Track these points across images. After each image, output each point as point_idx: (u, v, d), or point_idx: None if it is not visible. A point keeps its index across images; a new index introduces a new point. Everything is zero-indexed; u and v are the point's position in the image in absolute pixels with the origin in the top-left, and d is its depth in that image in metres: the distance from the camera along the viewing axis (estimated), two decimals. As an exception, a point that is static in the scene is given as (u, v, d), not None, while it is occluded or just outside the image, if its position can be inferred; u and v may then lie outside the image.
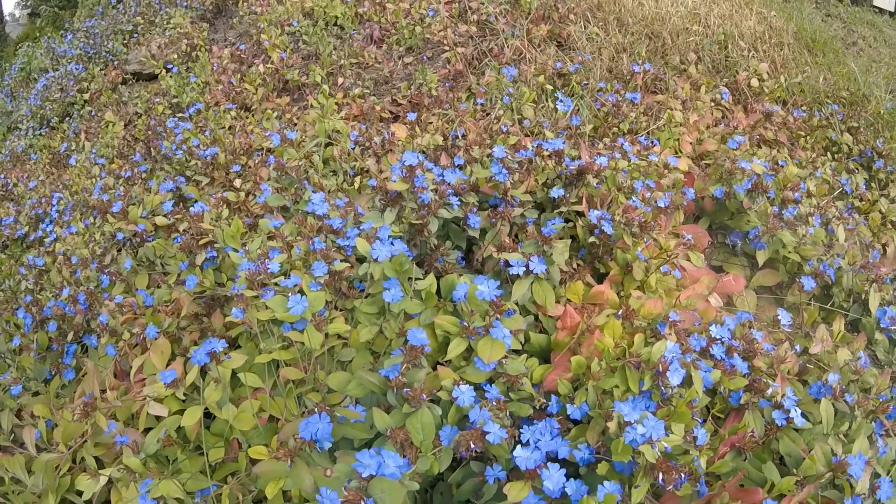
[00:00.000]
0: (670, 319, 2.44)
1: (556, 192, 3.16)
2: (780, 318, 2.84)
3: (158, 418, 2.77)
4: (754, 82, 5.24)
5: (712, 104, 4.92)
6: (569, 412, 2.31)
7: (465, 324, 2.35)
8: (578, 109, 4.38)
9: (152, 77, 6.33)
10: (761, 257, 3.28)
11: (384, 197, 3.01)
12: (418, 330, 2.26)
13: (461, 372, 2.35)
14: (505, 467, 2.22)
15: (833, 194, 4.12)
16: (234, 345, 3.05)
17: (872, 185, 4.61)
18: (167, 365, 3.04)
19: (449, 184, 3.12)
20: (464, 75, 5.05)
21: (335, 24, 5.91)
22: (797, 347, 2.82)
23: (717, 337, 2.47)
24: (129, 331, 3.27)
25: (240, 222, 3.30)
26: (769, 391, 2.38)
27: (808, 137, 4.80)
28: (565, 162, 3.27)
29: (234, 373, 2.61)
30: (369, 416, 2.22)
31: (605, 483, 2.00)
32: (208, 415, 2.55)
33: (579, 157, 3.33)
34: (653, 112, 4.64)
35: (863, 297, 3.30)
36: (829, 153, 4.82)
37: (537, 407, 2.43)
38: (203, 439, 2.62)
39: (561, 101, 4.12)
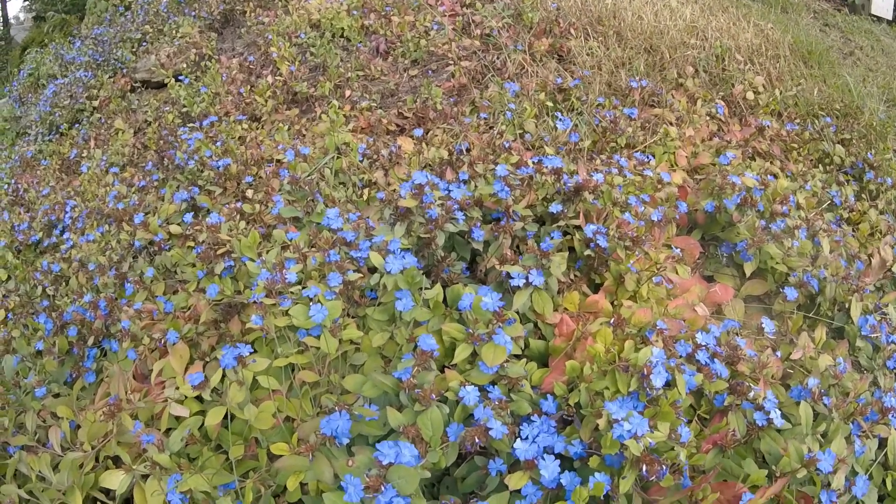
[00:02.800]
0: (657, 327, 2.72)
1: (555, 207, 3.44)
2: (764, 326, 3.12)
3: (178, 419, 3.03)
4: (750, 95, 5.51)
5: (708, 117, 5.19)
6: (544, 409, 2.61)
7: (471, 331, 2.64)
8: (577, 126, 4.65)
9: (161, 85, 6.58)
10: (748, 269, 3.56)
11: (394, 211, 3.29)
12: (428, 337, 2.55)
13: (467, 375, 2.65)
14: (506, 461, 2.51)
15: (821, 207, 4.39)
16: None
17: (863, 195, 4.88)
18: (186, 368, 3.30)
19: (455, 199, 3.39)
20: (468, 89, 5.33)
21: (342, 36, 6.18)
22: (777, 353, 3.09)
23: (703, 343, 2.74)
24: (148, 336, 3.53)
25: (256, 234, 3.56)
26: (751, 394, 2.64)
27: (801, 150, 5.07)
28: (563, 179, 3.54)
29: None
30: (382, 415, 2.50)
31: (596, 475, 2.28)
32: (227, 416, 2.80)
33: (577, 174, 3.61)
34: (650, 126, 4.92)
35: (846, 306, 3.57)
36: (821, 165, 5.09)
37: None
38: (224, 438, 2.88)
39: (560, 119, 4.40)
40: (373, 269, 3.08)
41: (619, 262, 3.25)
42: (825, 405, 2.77)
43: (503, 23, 5.90)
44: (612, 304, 3.21)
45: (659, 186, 3.94)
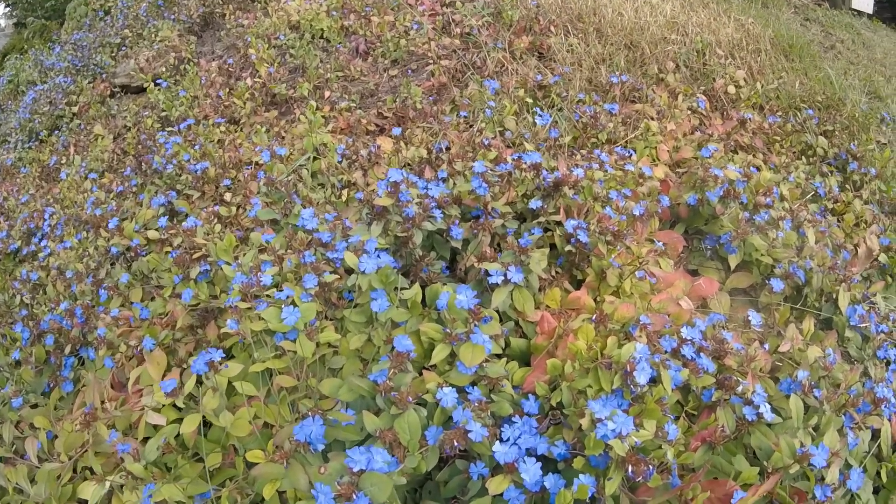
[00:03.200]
0: (641, 322, 2.63)
1: (535, 203, 3.34)
2: (750, 318, 3.02)
3: (156, 427, 2.93)
4: (731, 89, 5.42)
5: (689, 111, 5.11)
6: (526, 409, 2.50)
7: (448, 330, 2.53)
8: (557, 122, 4.55)
9: (140, 90, 6.44)
10: (733, 261, 3.46)
11: (371, 210, 3.18)
12: (404, 337, 2.44)
13: (445, 376, 2.53)
14: (488, 464, 2.39)
15: (806, 198, 4.31)
16: (228, 356, 3.17)
17: (847, 186, 4.79)
18: (163, 376, 3.18)
19: (433, 197, 3.29)
20: (447, 88, 5.23)
21: (321, 37, 6.07)
22: (765, 346, 3.00)
23: (688, 338, 2.65)
24: (125, 343, 3.42)
25: (232, 237, 3.45)
26: (739, 388, 2.55)
27: (784, 142, 4.99)
28: (543, 175, 3.44)
29: (229, 382, 2.75)
30: (359, 419, 2.39)
31: (581, 476, 2.18)
32: (206, 423, 2.69)
33: (557, 170, 3.51)
34: (631, 121, 4.82)
35: (834, 296, 3.48)
36: (804, 157, 5.00)
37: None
38: (201, 446, 2.77)
39: (539, 115, 4.29)
40: (350, 271, 2.97)
41: (600, 257, 3.15)
42: (816, 397, 2.69)
43: (483, 21, 5.80)
44: (594, 300, 3.11)
45: (640, 181, 3.85)
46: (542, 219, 3.37)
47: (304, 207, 3.69)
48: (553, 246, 3.39)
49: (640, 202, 3.57)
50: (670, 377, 2.40)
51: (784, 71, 5.83)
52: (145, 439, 2.89)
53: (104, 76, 6.84)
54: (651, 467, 2.12)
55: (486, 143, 4.11)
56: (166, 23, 6.86)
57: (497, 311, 2.97)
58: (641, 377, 2.31)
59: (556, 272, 3.30)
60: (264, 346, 2.92)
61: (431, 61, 5.47)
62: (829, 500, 2.37)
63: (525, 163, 3.46)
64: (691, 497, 2.15)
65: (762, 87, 5.49)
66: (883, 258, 4.09)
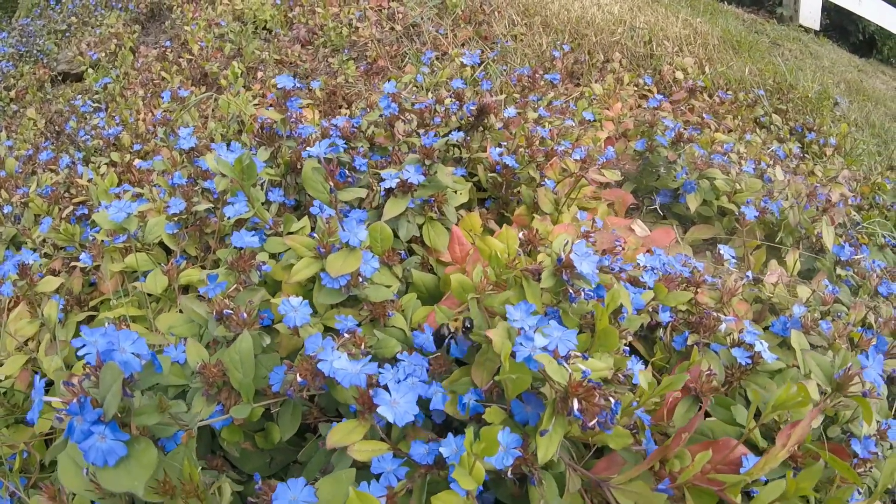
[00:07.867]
0: (583, 231, 1.72)
1: (456, 135, 2.45)
2: (722, 252, 2.13)
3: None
4: (679, 75, 4.66)
5: (635, 91, 4.33)
6: (419, 343, 1.57)
7: (316, 237, 1.61)
8: (490, 74, 3.69)
9: (79, 77, 5.57)
10: (693, 202, 2.59)
11: (259, 133, 2.32)
12: (246, 233, 1.54)
13: (311, 300, 1.63)
14: None
15: (767, 150, 3.49)
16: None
17: (806, 155, 3.99)
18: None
19: (336, 126, 2.46)
20: (386, 71, 4.40)
21: (264, 28, 5.26)
22: (749, 274, 2.13)
23: (648, 265, 1.78)
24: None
25: (114, 175, 2.64)
26: (722, 327, 1.67)
27: (736, 115, 4.19)
28: (466, 108, 2.59)
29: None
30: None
31: (500, 434, 1.17)
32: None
33: (484, 97, 2.63)
34: (572, 98, 4.00)
35: (812, 238, 2.64)
36: (759, 130, 4.23)
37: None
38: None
39: (467, 55, 3.33)
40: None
41: (531, 185, 2.29)
42: (823, 332, 1.80)
43: (429, 13, 4.98)
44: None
45: (581, 126, 3.01)
46: (465, 156, 2.51)
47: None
48: (479, 187, 2.54)
49: (580, 146, 2.72)
50: (628, 293, 1.46)
51: (732, 60, 5.08)
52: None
53: (45, 62, 5.94)
54: (614, 400, 1.17)
55: (414, 98, 3.26)
56: (114, 12, 6.00)
57: (406, 245, 2.11)
58: (584, 265, 1.37)
59: (485, 213, 2.43)
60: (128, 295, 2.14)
61: (371, 45, 4.65)
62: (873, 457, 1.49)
63: (446, 96, 2.62)
64: (678, 468, 1.24)
65: (710, 72, 4.73)
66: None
